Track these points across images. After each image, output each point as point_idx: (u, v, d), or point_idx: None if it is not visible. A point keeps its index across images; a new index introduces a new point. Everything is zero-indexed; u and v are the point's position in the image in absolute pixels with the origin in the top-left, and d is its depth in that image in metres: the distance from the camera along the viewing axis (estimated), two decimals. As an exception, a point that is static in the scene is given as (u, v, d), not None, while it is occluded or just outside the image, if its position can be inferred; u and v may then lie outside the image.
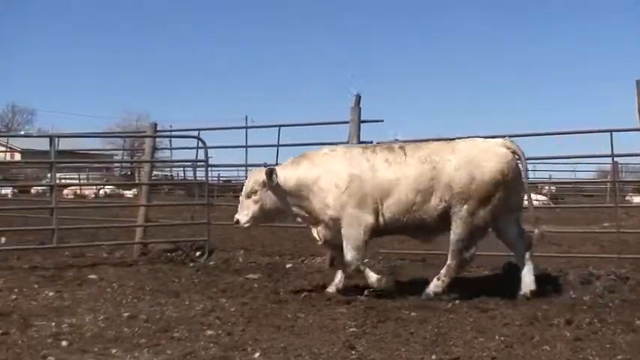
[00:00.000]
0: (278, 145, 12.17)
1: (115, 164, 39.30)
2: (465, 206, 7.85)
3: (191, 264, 11.03)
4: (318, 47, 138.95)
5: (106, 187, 35.88)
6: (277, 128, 12.38)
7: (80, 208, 18.90)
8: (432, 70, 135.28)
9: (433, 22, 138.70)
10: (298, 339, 6.14)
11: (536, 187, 30.37)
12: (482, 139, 8.50)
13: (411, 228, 8.19)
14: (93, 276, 9.42)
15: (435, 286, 8.03)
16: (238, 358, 5.60)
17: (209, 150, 12.26)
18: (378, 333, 6.38)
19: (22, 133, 67.19)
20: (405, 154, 8.09)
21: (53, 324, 6.65)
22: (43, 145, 14.97)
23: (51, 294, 8.13)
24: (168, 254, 11.62)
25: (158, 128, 13.06)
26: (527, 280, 8.13)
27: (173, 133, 18.50)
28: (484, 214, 7.91)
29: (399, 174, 7.97)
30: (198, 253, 11.65)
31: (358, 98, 10.98)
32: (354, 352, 5.75)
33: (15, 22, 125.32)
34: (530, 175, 31.85)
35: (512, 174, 8.01)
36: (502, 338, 6.14)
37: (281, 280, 9.44)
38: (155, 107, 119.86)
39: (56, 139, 12.10)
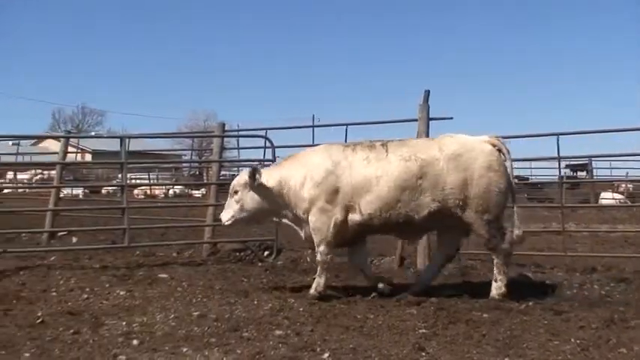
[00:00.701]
0: (346, 144, 12.10)
1: (184, 164, 39.74)
2: (469, 209, 7.83)
3: (259, 263, 11.06)
4: (388, 43, 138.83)
5: (175, 187, 36.39)
6: (344, 127, 12.31)
7: (150, 208, 19.10)
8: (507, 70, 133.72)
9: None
10: (367, 340, 6.09)
11: (612, 184, 29.68)
12: (466, 135, 8.31)
13: (396, 225, 8.05)
14: (163, 275, 9.51)
15: (496, 288, 7.93)
16: (307, 359, 5.58)
17: (276, 149, 12.24)
18: (449, 334, 6.28)
19: (93, 134, 68.55)
20: (387, 152, 8.06)
21: (124, 323, 6.72)
22: (113, 145, 15.18)
23: (122, 293, 8.22)
24: (237, 254, 11.65)
25: (226, 128, 13.13)
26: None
27: (241, 133, 18.52)
28: (492, 207, 7.86)
29: (379, 171, 7.93)
30: (266, 253, 11.68)
31: (427, 94, 10.65)
32: (424, 353, 5.68)
33: (89, 25, 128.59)
34: (607, 172, 31.54)
35: (502, 168, 7.97)
36: (577, 341, 6.00)
37: (349, 280, 9.37)
38: (222, 107, 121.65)
39: (126, 139, 12.25)
